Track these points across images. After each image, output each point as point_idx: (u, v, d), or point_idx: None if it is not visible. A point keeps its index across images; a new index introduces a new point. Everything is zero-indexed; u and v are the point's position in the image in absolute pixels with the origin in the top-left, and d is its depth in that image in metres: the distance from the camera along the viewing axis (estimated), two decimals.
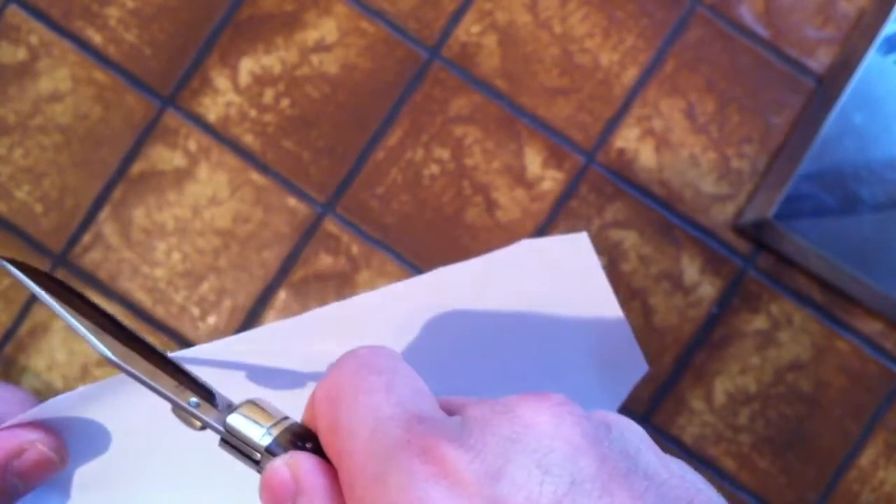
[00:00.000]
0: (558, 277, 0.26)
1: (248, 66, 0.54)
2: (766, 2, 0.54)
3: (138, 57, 0.54)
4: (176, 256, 0.53)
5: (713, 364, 0.53)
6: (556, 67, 0.54)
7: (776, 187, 0.52)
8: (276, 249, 0.53)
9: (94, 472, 0.26)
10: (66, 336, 0.53)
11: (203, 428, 0.20)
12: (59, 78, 0.54)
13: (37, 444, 0.24)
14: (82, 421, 0.25)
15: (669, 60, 0.54)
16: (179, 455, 0.26)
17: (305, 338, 0.26)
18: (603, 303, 0.27)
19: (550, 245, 0.25)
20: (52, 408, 0.24)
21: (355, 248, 0.53)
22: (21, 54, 0.54)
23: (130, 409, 0.25)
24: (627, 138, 0.53)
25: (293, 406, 0.21)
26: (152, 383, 0.20)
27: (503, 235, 0.53)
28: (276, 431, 0.19)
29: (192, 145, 0.53)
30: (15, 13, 0.54)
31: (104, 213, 0.53)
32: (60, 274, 0.53)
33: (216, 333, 0.52)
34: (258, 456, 0.18)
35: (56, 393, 0.52)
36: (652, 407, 0.52)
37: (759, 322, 0.53)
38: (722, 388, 0.53)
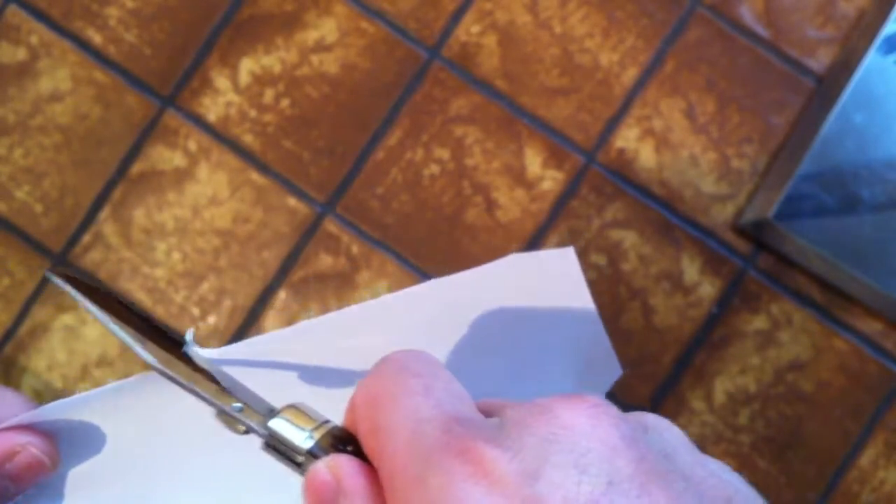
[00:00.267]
0: (543, 290, 0.27)
1: (248, 66, 0.54)
2: (766, 2, 0.54)
3: (138, 57, 0.54)
4: (176, 256, 0.53)
5: (713, 364, 0.53)
6: (556, 67, 0.54)
7: (776, 187, 0.52)
8: (276, 249, 0.53)
9: (87, 474, 0.26)
10: (66, 336, 0.53)
11: (246, 432, 0.20)
12: (59, 78, 0.54)
13: (29, 447, 0.24)
14: (76, 424, 0.25)
15: (669, 60, 0.54)
16: (172, 458, 0.27)
17: (309, 345, 0.26)
18: (584, 313, 0.27)
19: (537, 259, 0.26)
20: (46, 412, 0.24)
21: (355, 248, 0.53)
22: (21, 54, 0.54)
23: (126, 414, 0.25)
24: (627, 138, 0.53)
25: (325, 406, 0.21)
26: (196, 389, 0.21)
27: (503, 235, 0.53)
28: (317, 435, 0.19)
29: (192, 145, 0.53)
30: (15, 13, 0.54)
31: (104, 213, 0.53)
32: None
33: (216, 333, 0.52)
34: (300, 459, 0.19)
35: (56, 393, 0.52)
36: (652, 407, 0.52)
37: (759, 322, 0.53)
38: (722, 388, 0.53)
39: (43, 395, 0.52)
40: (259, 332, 0.52)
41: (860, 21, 0.53)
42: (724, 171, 0.53)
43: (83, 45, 0.54)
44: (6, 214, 0.53)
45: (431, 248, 0.53)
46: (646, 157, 0.53)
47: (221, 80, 0.54)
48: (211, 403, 0.21)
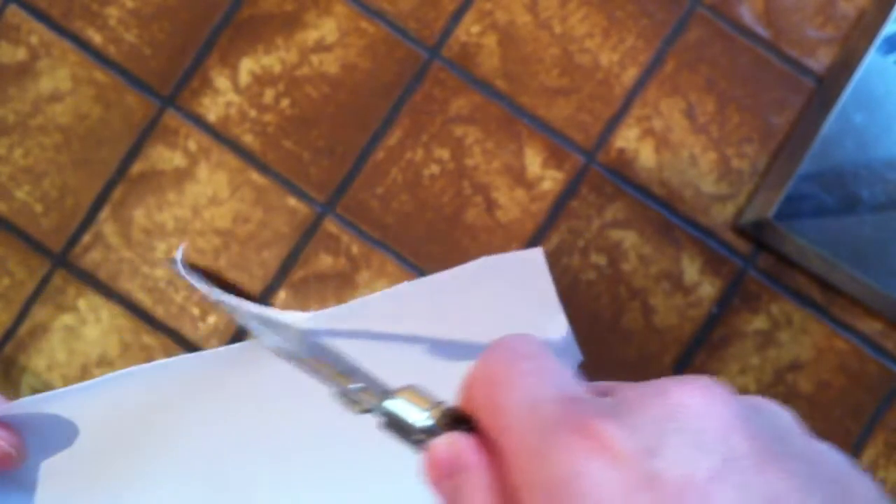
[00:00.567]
0: (512, 287, 0.28)
1: (248, 66, 0.54)
2: (766, 2, 0.54)
3: (138, 57, 0.54)
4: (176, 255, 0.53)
5: (713, 364, 0.53)
6: (556, 67, 0.54)
7: (776, 187, 0.52)
8: (275, 249, 0.53)
9: (61, 465, 0.27)
10: (66, 336, 0.53)
11: (365, 412, 0.21)
12: (59, 78, 0.54)
13: None
14: (49, 418, 0.26)
15: (669, 60, 0.54)
16: (143, 451, 0.27)
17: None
18: (549, 307, 0.28)
19: (507, 260, 0.27)
20: (17, 406, 0.24)
21: (355, 248, 0.53)
22: (21, 54, 0.54)
23: (98, 409, 0.26)
24: (627, 138, 0.53)
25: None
26: (318, 371, 0.22)
27: (503, 235, 0.53)
28: (434, 414, 0.20)
29: (192, 145, 0.53)
30: (15, 13, 0.54)
31: (104, 213, 0.53)
32: (60, 274, 0.53)
33: (216, 333, 0.52)
34: (418, 437, 0.20)
35: None
36: None
37: (759, 322, 0.53)
38: None
39: None
40: None
41: (860, 21, 0.53)
42: (724, 171, 0.53)
43: (83, 45, 0.54)
44: (6, 214, 0.53)
45: (431, 248, 0.53)
46: (646, 157, 0.53)
47: (221, 80, 0.54)
48: (333, 384, 0.21)
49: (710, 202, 0.53)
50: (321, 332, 0.26)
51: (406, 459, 0.20)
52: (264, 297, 0.53)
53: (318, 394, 0.23)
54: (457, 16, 0.54)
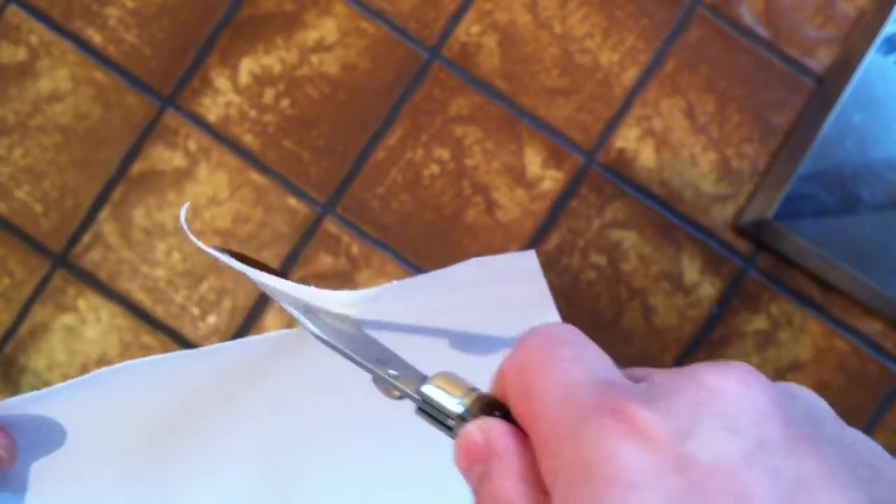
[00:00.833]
0: (504, 288, 0.28)
1: (248, 66, 0.54)
2: (766, 2, 0.54)
3: (138, 57, 0.54)
4: (176, 256, 0.53)
5: None
6: (556, 67, 0.54)
7: (776, 187, 0.52)
8: (276, 249, 0.53)
9: (50, 466, 0.26)
10: (66, 336, 0.53)
11: (400, 397, 0.22)
12: (59, 78, 0.54)
13: None
14: (37, 419, 0.26)
15: (669, 60, 0.54)
16: (132, 451, 0.27)
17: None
18: (543, 308, 0.29)
19: (499, 261, 0.27)
20: (5, 407, 0.24)
21: (355, 248, 0.53)
22: (21, 54, 0.54)
23: (87, 409, 0.26)
24: (627, 138, 0.53)
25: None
26: (357, 358, 0.22)
27: (503, 235, 0.53)
28: (468, 401, 0.20)
29: (192, 145, 0.53)
30: (15, 13, 0.54)
31: (104, 213, 0.53)
32: (60, 274, 0.53)
33: (216, 333, 0.52)
34: (452, 423, 0.20)
35: None
36: None
37: (759, 322, 0.53)
38: None
39: None
40: (259, 332, 0.52)
41: (860, 21, 0.53)
42: (724, 171, 0.53)
43: (83, 45, 0.54)
44: (6, 214, 0.53)
45: (431, 248, 0.53)
46: (646, 157, 0.53)
47: (221, 80, 0.54)
48: (370, 370, 0.22)
49: (710, 202, 0.53)
50: (360, 320, 0.26)
51: (445, 453, 0.20)
52: (264, 298, 0.53)
53: (361, 383, 0.23)
54: (457, 16, 0.54)
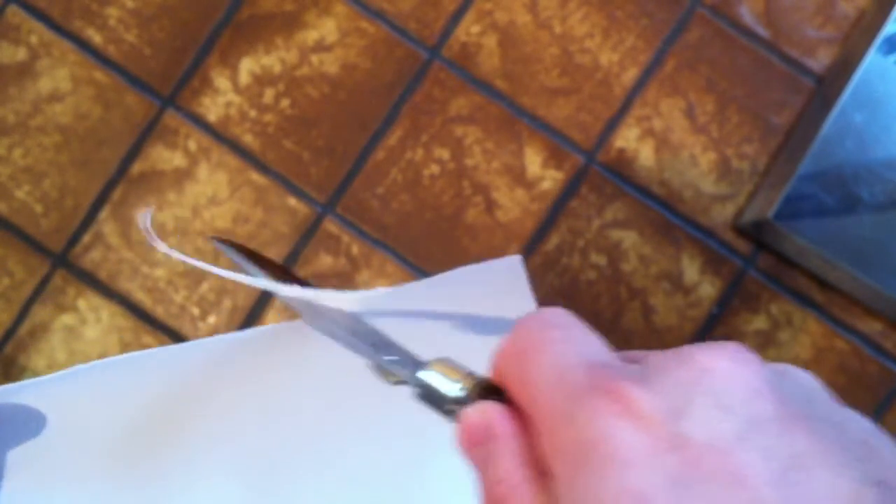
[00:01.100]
0: (490, 295, 0.28)
1: (248, 66, 0.54)
2: (766, 2, 0.54)
3: (138, 57, 0.54)
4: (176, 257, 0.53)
5: None
6: (556, 67, 0.54)
7: (776, 187, 0.52)
8: (276, 249, 0.53)
9: (28, 454, 0.27)
10: (66, 336, 0.53)
11: (399, 383, 0.22)
12: (59, 78, 0.54)
13: None
14: (15, 407, 0.26)
15: (669, 60, 0.54)
16: (111, 442, 0.27)
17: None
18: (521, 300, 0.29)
19: (485, 268, 0.27)
20: None
21: (355, 248, 0.53)
22: (21, 54, 0.54)
23: (69, 400, 0.26)
24: (627, 138, 0.53)
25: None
26: (358, 344, 0.23)
27: (503, 235, 0.53)
28: (466, 385, 0.21)
29: (192, 145, 0.53)
30: (15, 13, 0.54)
31: (104, 213, 0.53)
32: (60, 274, 0.53)
33: (216, 333, 0.52)
34: (451, 408, 0.21)
35: None
36: None
37: (759, 322, 0.53)
38: None
39: None
40: None
41: (860, 21, 0.53)
42: (724, 171, 0.53)
43: (83, 45, 0.54)
44: (6, 214, 0.53)
45: (431, 249, 0.53)
46: (646, 157, 0.53)
47: (221, 80, 0.54)
48: (369, 356, 0.22)
49: (710, 202, 0.53)
50: (357, 313, 0.26)
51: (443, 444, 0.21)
52: (264, 298, 0.53)
53: (358, 373, 0.23)
54: (457, 16, 0.54)
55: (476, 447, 0.20)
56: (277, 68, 0.54)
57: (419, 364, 0.22)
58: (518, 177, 0.53)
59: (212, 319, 0.53)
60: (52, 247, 0.53)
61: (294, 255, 0.53)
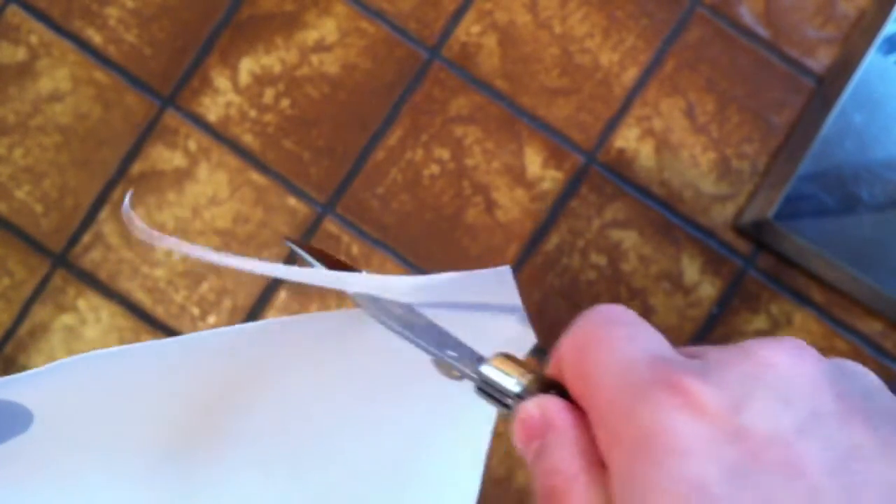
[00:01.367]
0: (480, 302, 0.29)
1: (248, 66, 0.54)
2: (766, 2, 0.54)
3: (138, 57, 0.54)
4: (176, 256, 0.53)
5: None
6: (556, 67, 0.54)
7: (776, 187, 0.52)
8: (276, 249, 0.53)
9: (12, 451, 0.26)
10: (66, 336, 0.53)
11: (460, 378, 0.22)
12: (59, 78, 0.54)
13: None
14: (1, 403, 0.25)
15: (669, 60, 0.54)
16: (99, 440, 0.27)
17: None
18: (516, 320, 0.29)
19: (475, 276, 0.28)
20: None
21: (355, 249, 0.53)
22: (21, 54, 0.54)
23: (57, 395, 0.26)
24: (627, 138, 0.53)
25: None
26: (419, 341, 0.23)
27: (503, 235, 0.53)
28: (525, 380, 0.21)
29: (192, 145, 0.53)
30: (15, 13, 0.54)
31: (104, 213, 0.53)
32: (60, 274, 0.53)
33: None
34: (510, 402, 0.21)
35: None
36: None
37: (759, 322, 0.53)
38: None
39: None
40: None
41: (860, 21, 0.53)
42: (724, 171, 0.53)
43: (83, 45, 0.54)
44: (6, 214, 0.53)
45: (431, 248, 0.53)
46: (646, 157, 0.53)
47: (221, 80, 0.54)
48: (432, 353, 0.23)
49: (710, 202, 0.53)
50: (412, 304, 0.27)
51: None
52: (264, 298, 0.53)
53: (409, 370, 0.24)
54: (457, 16, 0.54)
55: (533, 439, 0.20)
56: (277, 68, 0.54)
57: (479, 359, 0.22)
58: (518, 177, 0.53)
59: (212, 319, 0.53)
60: (52, 247, 0.53)
61: (294, 256, 0.53)
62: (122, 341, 0.52)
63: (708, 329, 0.53)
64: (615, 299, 0.53)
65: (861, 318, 0.53)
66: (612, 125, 0.53)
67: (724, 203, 0.53)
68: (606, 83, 0.54)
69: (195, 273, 0.53)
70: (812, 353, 0.19)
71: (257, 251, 0.53)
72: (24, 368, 0.52)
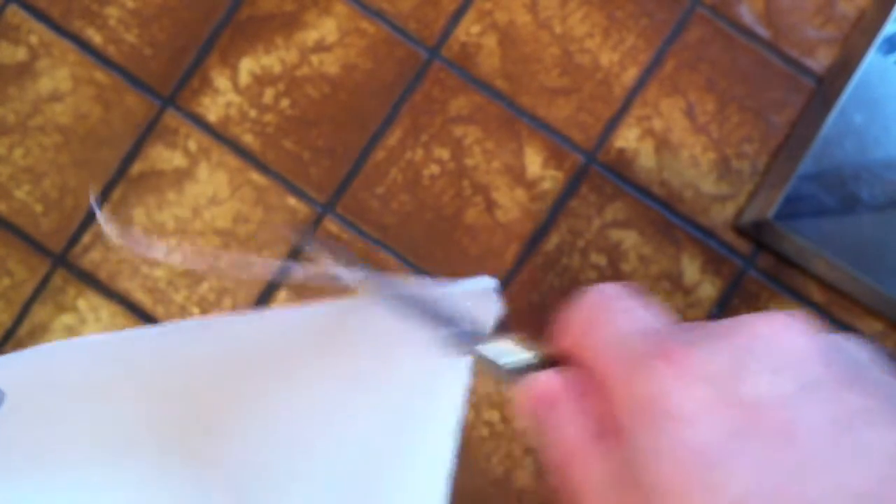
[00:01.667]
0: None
1: (248, 66, 0.54)
2: (766, 2, 0.54)
3: (138, 57, 0.54)
4: (176, 257, 0.53)
5: None
6: (556, 67, 0.54)
7: (776, 187, 0.52)
8: (276, 250, 0.53)
9: None
10: (66, 336, 0.53)
11: (468, 354, 0.23)
12: (59, 78, 0.54)
13: None
14: None
15: (669, 60, 0.54)
16: (74, 426, 0.27)
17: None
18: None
19: (456, 288, 0.28)
20: None
21: (355, 249, 0.53)
22: (21, 54, 0.54)
23: (30, 381, 0.26)
24: (627, 138, 0.53)
25: None
26: (429, 317, 0.24)
27: (503, 235, 0.53)
28: (531, 357, 0.22)
29: (192, 145, 0.53)
30: (15, 13, 0.54)
31: (104, 214, 0.53)
32: (60, 274, 0.53)
33: None
34: (514, 377, 0.22)
35: None
36: None
37: None
38: None
39: None
40: None
41: (860, 21, 0.53)
42: (724, 171, 0.53)
43: (83, 45, 0.54)
44: (6, 214, 0.53)
45: (431, 249, 0.53)
46: (646, 157, 0.53)
47: (221, 80, 0.54)
48: (437, 329, 0.24)
49: (710, 202, 0.53)
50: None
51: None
52: (265, 297, 0.53)
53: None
54: (457, 16, 0.54)
55: (541, 409, 0.21)
56: (277, 68, 0.54)
57: (485, 337, 0.23)
58: (518, 177, 0.53)
59: None
60: (52, 247, 0.53)
61: (294, 256, 0.53)
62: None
63: None
64: None
65: (861, 318, 0.53)
66: (612, 125, 0.53)
67: (724, 203, 0.53)
68: (606, 83, 0.54)
69: (195, 273, 0.53)
70: (803, 325, 0.19)
71: (257, 251, 0.53)
72: None
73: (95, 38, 0.54)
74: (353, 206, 0.53)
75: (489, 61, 0.54)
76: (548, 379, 0.22)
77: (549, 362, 0.22)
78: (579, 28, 0.54)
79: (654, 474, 0.17)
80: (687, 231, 0.53)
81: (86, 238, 0.53)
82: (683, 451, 0.17)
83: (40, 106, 0.54)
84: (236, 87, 0.54)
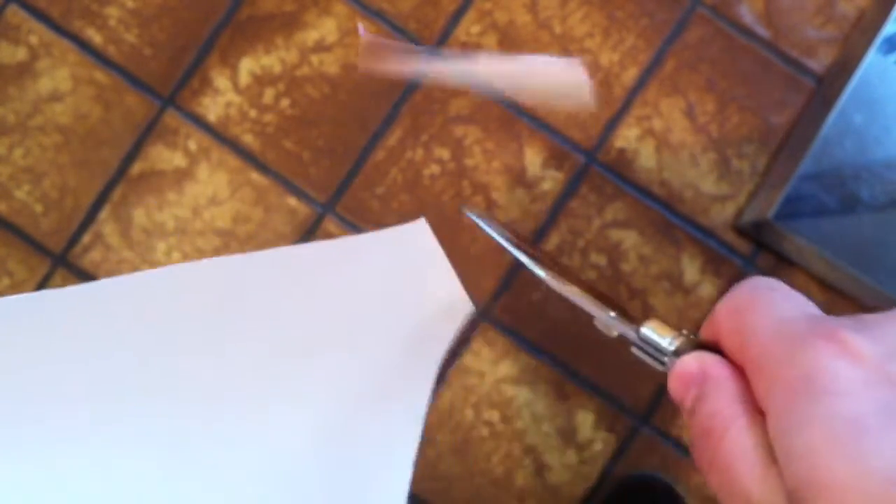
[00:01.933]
0: (399, 259, 0.30)
1: (248, 66, 0.54)
2: (766, 2, 0.54)
3: (138, 57, 0.54)
4: (176, 256, 0.53)
5: None
6: None
7: (776, 187, 0.52)
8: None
9: None
10: None
11: (620, 336, 0.25)
12: (59, 78, 0.54)
13: None
14: None
15: (669, 60, 0.54)
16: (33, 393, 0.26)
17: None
18: (439, 270, 0.30)
19: (392, 233, 0.29)
20: None
21: None
22: (21, 54, 0.54)
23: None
24: (627, 138, 0.53)
25: None
26: (584, 302, 0.26)
27: None
28: (678, 341, 0.24)
29: (192, 145, 0.53)
30: (15, 13, 0.54)
31: (104, 213, 0.53)
32: (60, 274, 0.53)
33: None
34: (665, 359, 0.24)
35: None
36: (653, 407, 0.52)
37: None
38: None
39: None
40: None
41: (860, 21, 0.53)
42: (724, 171, 0.53)
43: (83, 45, 0.54)
44: (6, 214, 0.53)
45: None
46: (646, 157, 0.53)
47: (221, 80, 0.54)
48: (594, 313, 0.26)
49: (710, 202, 0.53)
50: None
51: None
52: None
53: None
54: (457, 16, 0.54)
55: (690, 389, 0.22)
56: (277, 68, 0.54)
57: (638, 321, 0.25)
58: (518, 177, 0.53)
59: None
60: (52, 247, 0.53)
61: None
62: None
63: None
64: (616, 299, 0.53)
65: None
66: (613, 125, 0.53)
67: (724, 203, 0.53)
68: (606, 83, 0.54)
69: None
70: None
71: (257, 251, 0.53)
72: None
73: (95, 38, 0.54)
74: (353, 205, 0.53)
75: None
76: (700, 357, 0.23)
77: (699, 346, 0.23)
78: (579, 28, 0.54)
79: (802, 443, 0.18)
80: (687, 231, 0.53)
81: (86, 238, 0.53)
82: (835, 419, 0.18)
83: (40, 106, 0.54)
84: (236, 87, 0.54)
